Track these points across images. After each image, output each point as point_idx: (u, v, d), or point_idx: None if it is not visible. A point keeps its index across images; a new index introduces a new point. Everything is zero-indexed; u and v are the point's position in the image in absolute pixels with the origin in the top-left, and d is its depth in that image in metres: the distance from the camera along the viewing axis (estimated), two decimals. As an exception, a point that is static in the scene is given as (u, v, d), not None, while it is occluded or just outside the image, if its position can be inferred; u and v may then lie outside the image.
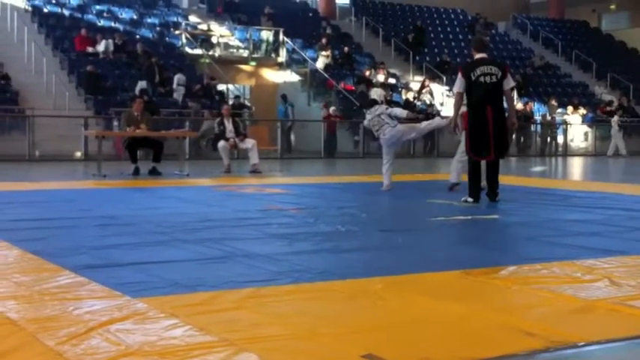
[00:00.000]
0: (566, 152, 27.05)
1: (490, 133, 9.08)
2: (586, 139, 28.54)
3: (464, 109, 9.43)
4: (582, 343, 3.37)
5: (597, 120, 28.61)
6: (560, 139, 27.45)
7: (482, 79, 9.11)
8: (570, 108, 28.70)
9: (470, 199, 9.19)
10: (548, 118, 27.83)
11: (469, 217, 8.03)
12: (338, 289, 4.46)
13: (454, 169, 10.69)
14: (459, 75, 9.32)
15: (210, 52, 26.21)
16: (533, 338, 3.40)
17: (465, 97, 9.32)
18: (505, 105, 9.49)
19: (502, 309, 4.03)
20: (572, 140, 28.01)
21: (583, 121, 28.60)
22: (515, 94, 22.73)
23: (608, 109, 28.90)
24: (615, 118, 25.21)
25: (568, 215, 8.48)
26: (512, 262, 5.37)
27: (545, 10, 39.17)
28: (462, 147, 10.18)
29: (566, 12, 38.92)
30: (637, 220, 7.86)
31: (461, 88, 9.30)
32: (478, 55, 9.40)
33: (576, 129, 28.29)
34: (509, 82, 9.34)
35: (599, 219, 8.10)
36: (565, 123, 27.82)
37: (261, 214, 8.08)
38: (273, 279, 4.67)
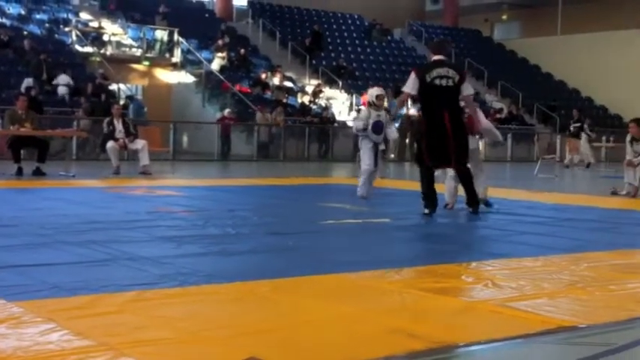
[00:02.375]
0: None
1: (449, 140, 8.52)
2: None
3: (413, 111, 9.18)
4: (463, 344, 3.43)
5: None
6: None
7: (437, 81, 8.54)
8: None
9: (426, 211, 8.62)
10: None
11: (360, 221, 8.10)
12: (224, 292, 4.41)
13: (447, 189, 9.56)
14: (412, 75, 8.70)
15: (102, 51, 25.59)
16: (415, 340, 3.44)
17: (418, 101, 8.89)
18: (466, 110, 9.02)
19: (387, 311, 4.06)
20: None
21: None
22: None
23: (498, 116, 29.79)
24: (584, 127, 25.89)
25: (458, 220, 8.68)
26: (400, 264, 5.43)
27: (440, 18, 40.11)
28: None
29: (460, 21, 39.96)
30: (521, 224, 8.10)
31: (410, 88, 8.69)
32: (435, 57, 8.85)
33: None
34: (469, 88, 8.86)
35: (485, 223, 8.32)
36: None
37: (149, 217, 7.92)
38: (158, 282, 4.58)
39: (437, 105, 8.58)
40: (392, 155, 12.47)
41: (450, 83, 8.56)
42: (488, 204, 9.37)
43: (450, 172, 9.21)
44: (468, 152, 8.79)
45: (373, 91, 10.75)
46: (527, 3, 39.80)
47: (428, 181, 8.77)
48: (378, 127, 10.36)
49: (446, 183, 9.37)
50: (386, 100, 11.02)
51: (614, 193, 12.36)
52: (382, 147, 10.86)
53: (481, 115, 9.55)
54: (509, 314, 4.03)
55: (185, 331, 3.51)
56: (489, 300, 4.38)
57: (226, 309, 4.07)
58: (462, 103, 8.89)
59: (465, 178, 8.79)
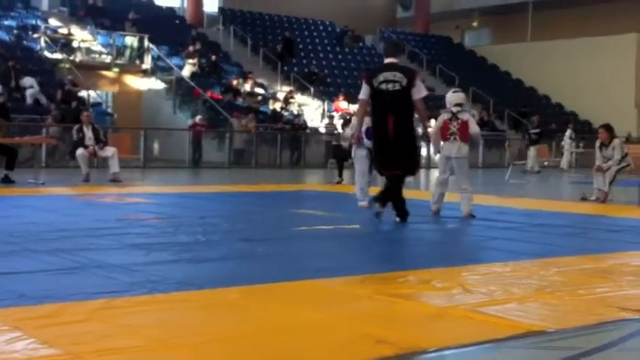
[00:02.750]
0: (429, 164, 27.82)
1: (391, 146, 8.27)
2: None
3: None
4: (432, 349, 3.43)
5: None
6: (424, 151, 28.15)
7: (383, 86, 8.25)
8: (433, 121, 29.47)
9: (397, 219, 8.47)
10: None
11: (331, 227, 8.09)
12: (194, 300, 4.38)
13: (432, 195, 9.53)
14: (364, 81, 8.54)
15: (71, 57, 25.38)
16: (385, 345, 3.44)
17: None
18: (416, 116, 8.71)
19: (358, 317, 4.05)
20: (433, 152, 28.77)
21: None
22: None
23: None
24: (568, 133, 26.06)
25: (427, 225, 8.69)
26: (370, 270, 5.44)
27: (412, 25, 40.30)
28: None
29: (431, 27, 40.18)
30: (491, 230, 8.13)
31: (364, 95, 8.45)
32: (387, 60, 8.57)
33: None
34: (420, 91, 8.33)
35: (459, 229, 8.36)
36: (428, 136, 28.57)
37: (119, 224, 7.85)
38: (127, 290, 4.54)
39: (382, 110, 8.32)
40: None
41: (397, 87, 8.22)
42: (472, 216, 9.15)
43: (437, 177, 9.34)
44: (414, 160, 8.53)
45: None
46: (497, 10, 40.10)
47: (394, 187, 8.52)
48: (370, 134, 10.00)
49: (431, 188, 9.35)
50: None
51: (584, 199, 12.48)
52: None
53: (472, 121, 9.46)
54: (479, 319, 4.04)
55: (153, 339, 3.48)
56: (459, 305, 4.39)
57: (196, 316, 4.04)
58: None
59: (398, 188, 8.49)
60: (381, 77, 8.29)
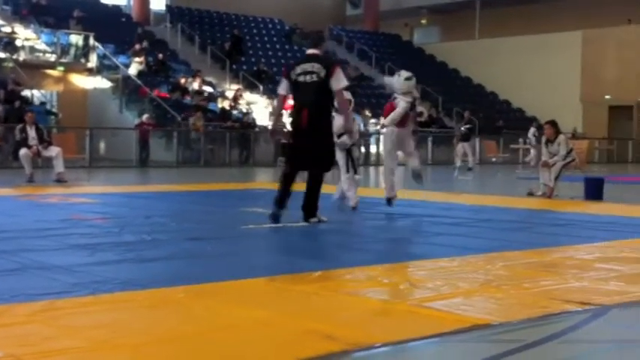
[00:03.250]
0: (379, 162, 27.94)
1: (303, 142, 7.89)
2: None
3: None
4: (379, 344, 3.43)
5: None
6: (373, 148, 28.28)
7: (301, 78, 7.91)
8: (383, 119, 29.55)
9: (274, 211, 7.99)
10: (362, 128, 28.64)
11: (280, 225, 8.04)
12: (139, 300, 4.32)
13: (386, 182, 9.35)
14: (283, 76, 8.29)
15: (14, 56, 24.90)
16: (332, 341, 3.42)
17: None
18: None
19: (306, 314, 4.04)
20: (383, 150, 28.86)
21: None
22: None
23: (419, 119, 30.18)
24: (532, 130, 26.28)
25: (377, 222, 8.72)
26: (318, 267, 5.42)
27: (361, 23, 40.45)
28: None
29: (380, 25, 40.40)
30: (438, 226, 8.19)
31: (282, 89, 8.22)
32: (308, 52, 8.28)
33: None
34: (339, 82, 7.87)
35: (406, 225, 8.39)
36: (378, 133, 28.70)
37: (63, 224, 7.70)
38: (70, 291, 4.45)
39: (298, 104, 7.99)
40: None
41: (315, 78, 7.83)
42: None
43: (393, 165, 9.23)
44: (327, 157, 8.03)
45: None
46: (446, 8, 40.50)
47: (286, 180, 8.04)
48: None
49: (385, 177, 9.16)
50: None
51: (531, 194, 12.65)
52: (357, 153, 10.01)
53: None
54: (425, 314, 4.05)
55: (96, 340, 3.43)
56: (406, 300, 4.40)
57: (140, 316, 3.99)
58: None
59: (311, 186, 8.03)
60: (299, 69, 7.97)
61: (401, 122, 9.42)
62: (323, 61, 8.04)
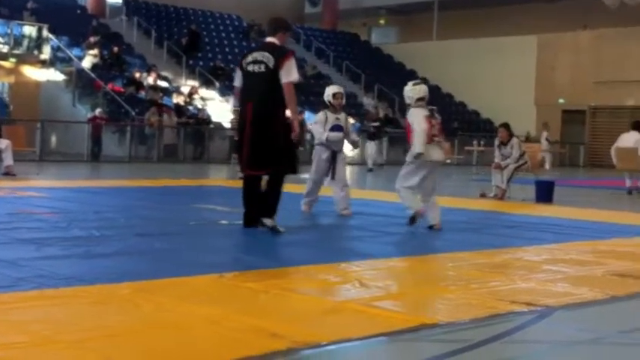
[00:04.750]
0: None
1: (246, 138, 7.15)
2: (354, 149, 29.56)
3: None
4: (325, 343, 3.41)
5: (364, 130, 29.81)
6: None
7: (250, 67, 7.23)
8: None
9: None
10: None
11: (229, 222, 7.98)
12: (84, 295, 4.25)
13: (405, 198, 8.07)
14: (238, 67, 7.57)
15: (-35, 47, 24.42)
16: (278, 339, 3.40)
17: None
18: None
19: (253, 312, 4.01)
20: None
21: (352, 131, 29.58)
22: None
23: (373, 123, 30.25)
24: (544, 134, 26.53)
25: (331, 221, 8.70)
26: (267, 265, 5.40)
27: (319, 21, 40.45)
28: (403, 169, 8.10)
29: (338, 24, 40.44)
30: (390, 226, 8.20)
31: (237, 81, 7.48)
32: (266, 39, 7.53)
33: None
34: (289, 74, 7.10)
35: (360, 224, 8.38)
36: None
37: (9, 218, 7.54)
38: (14, 285, 4.37)
39: (244, 95, 7.29)
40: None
41: (262, 69, 7.12)
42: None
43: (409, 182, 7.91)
44: (270, 154, 7.12)
45: (329, 89, 9.34)
46: (404, 9, 40.70)
47: (244, 190, 7.42)
48: (337, 130, 9.06)
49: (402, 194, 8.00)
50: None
51: (483, 196, 12.77)
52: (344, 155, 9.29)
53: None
54: (373, 313, 4.05)
55: (39, 335, 3.38)
56: (355, 299, 4.39)
57: (85, 312, 3.93)
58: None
59: (271, 188, 7.27)
60: (250, 58, 7.29)
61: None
62: (275, 50, 7.26)
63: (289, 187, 8.28)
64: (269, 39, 7.43)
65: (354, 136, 9.29)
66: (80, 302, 4.11)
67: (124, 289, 4.39)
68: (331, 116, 9.07)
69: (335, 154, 9.04)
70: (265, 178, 7.35)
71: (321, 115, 9.21)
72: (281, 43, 7.42)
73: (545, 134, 27.16)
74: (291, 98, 7.16)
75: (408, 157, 8.00)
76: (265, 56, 7.14)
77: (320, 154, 9.07)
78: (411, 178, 7.92)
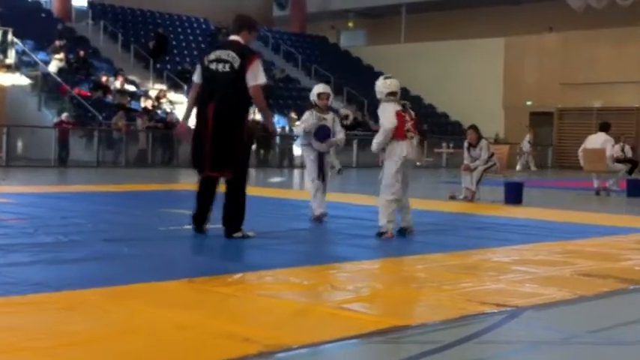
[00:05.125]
0: (303, 164, 27.98)
1: (206, 141, 6.78)
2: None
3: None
4: (296, 346, 3.40)
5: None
6: (297, 151, 28.29)
7: (213, 65, 6.87)
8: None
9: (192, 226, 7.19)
10: (287, 130, 28.61)
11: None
12: (52, 302, 4.19)
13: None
14: (199, 63, 7.25)
15: None
16: (249, 343, 3.38)
17: None
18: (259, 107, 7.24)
19: (223, 316, 3.99)
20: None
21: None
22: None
23: (344, 122, 30.32)
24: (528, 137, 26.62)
25: (299, 224, 8.67)
26: (238, 269, 5.37)
27: (288, 24, 40.42)
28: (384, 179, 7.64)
29: (307, 27, 40.46)
30: (361, 229, 8.19)
31: (196, 77, 7.10)
32: (230, 37, 7.24)
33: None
34: (256, 77, 6.78)
35: (330, 227, 8.37)
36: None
37: (-26, 224, 7.45)
38: (-21, 292, 4.29)
39: (204, 95, 6.90)
40: (338, 167, 10.16)
41: (227, 69, 6.78)
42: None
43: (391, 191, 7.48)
44: (231, 156, 6.84)
45: (315, 89, 9.08)
46: (372, 11, 40.82)
47: (199, 191, 7.10)
48: (322, 133, 8.80)
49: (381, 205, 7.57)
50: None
51: (453, 198, 12.83)
52: (337, 165, 9.10)
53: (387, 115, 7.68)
54: (344, 315, 4.04)
55: (5, 343, 3.33)
56: (326, 302, 4.38)
57: (52, 319, 3.87)
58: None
59: (231, 196, 6.93)
60: (213, 55, 6.93)
61: (398, 133, 7.59)
62: (241, 50, 6.90)
63: (258, 191, 8.29)
64: (233, 37, 7.14)
65: (342, 135, 9.02)
66: (48, 309, 4.05)
67: (92, 295, 4.34)
68: (318, 116, 8.87)
69: (322, 155, 8.91)
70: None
71: (307, 115, 8.99)
72: (245, 42, 7.12)
73: (528, 137, 27.41)
74: (261, 102, 6.95)
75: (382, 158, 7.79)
76: (231, 55, 6.81)
77: (308, 155, 8.94)
78: (395, 185, 7.53)
